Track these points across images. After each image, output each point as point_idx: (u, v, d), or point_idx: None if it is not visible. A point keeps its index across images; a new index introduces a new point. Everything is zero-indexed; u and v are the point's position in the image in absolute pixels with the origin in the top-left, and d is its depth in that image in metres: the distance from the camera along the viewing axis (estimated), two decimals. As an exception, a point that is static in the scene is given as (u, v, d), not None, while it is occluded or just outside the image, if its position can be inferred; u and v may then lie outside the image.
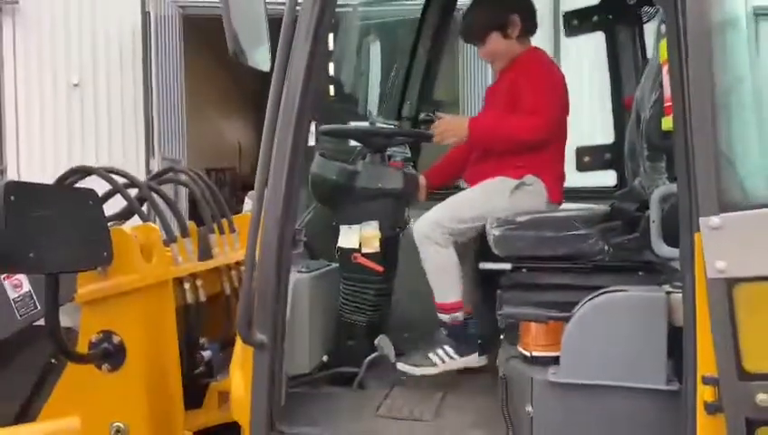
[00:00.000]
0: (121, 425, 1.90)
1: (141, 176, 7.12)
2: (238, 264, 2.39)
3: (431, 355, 2.06)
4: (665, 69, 1.47)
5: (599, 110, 2.79)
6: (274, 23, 1.74)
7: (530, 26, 2.28)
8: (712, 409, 1.33)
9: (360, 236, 2.10)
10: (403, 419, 1.84)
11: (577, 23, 2.66)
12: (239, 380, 1.71)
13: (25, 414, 2.17)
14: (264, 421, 1.63)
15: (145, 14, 7.21)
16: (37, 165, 7.33)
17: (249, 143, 20.29)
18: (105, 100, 7.47)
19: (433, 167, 2.52)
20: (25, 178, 7.11)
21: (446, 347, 2.07)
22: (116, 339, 1.90)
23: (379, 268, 2.09)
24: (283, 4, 1.63)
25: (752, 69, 1.47)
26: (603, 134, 2.83)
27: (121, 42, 7.50)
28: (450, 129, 2.24)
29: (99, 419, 1.92)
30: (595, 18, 2.62)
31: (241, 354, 1.74)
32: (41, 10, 7.49)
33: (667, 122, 1.48)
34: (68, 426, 1.96)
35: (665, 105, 1.51)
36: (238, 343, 1.79)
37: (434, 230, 2.03)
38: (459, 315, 2.11)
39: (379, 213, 2.12)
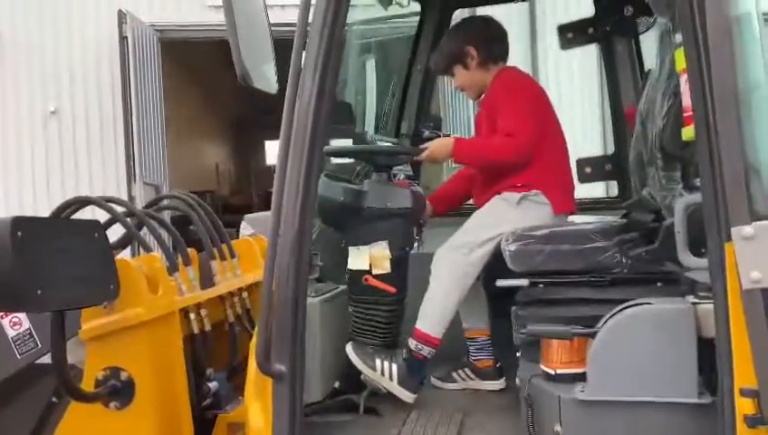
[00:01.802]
0: (130, 462, 1.83)
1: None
2: (240, 290, 2.34)
3: (380, 363, 1.97)
4: (683, 78, 1.46)
5: (579, 121, 2.82)
6: (279, 44, 1.71)
7: (492, 53, 2.28)
8: (753, 422, 1.31)
9: (369, 257, 2.06)
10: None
11: (572, 36, 2.66)
12: (257, 411, 1.65)
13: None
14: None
15: (123, 39, 7.15)
16: (14, 194, 7.18)
17: (226, 165, 20.20)
18: (83, 127, 7.39)
19: (436, 192, 2.51)
20: (3, 207, 6.97)
21: (395, 367, 1.99)
22: (124, 375, 1.83)
23: (392, 289, 2.04)
24: (289, 25, 1.61)
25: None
26: (591, 145, 2.85)
27: (98, 68, 7.46)
28: (437, 148, 2.23)
29: (106, 456, 1.85)
30: (590, 30, 2.63)
31: (257, 385, 1.69)
32: (16, 37, 7.40)
33: (689, 132, 1.47)
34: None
35: (684, 115, 1.50)
36: (251, 372, 1.74)
37: (454, 254, 2.00)
38: (426, 351, 2.05)
39: (389, 233, 2.08)
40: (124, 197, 6.92)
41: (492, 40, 2.29)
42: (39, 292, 1.44)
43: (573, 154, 2.35)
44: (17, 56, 7.39)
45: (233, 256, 2.35)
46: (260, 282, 2.36)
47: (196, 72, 11.94)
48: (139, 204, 7.10)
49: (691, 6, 1.35)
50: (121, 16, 7.12)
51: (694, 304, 1.54)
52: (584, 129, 5.79)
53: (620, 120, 2.64)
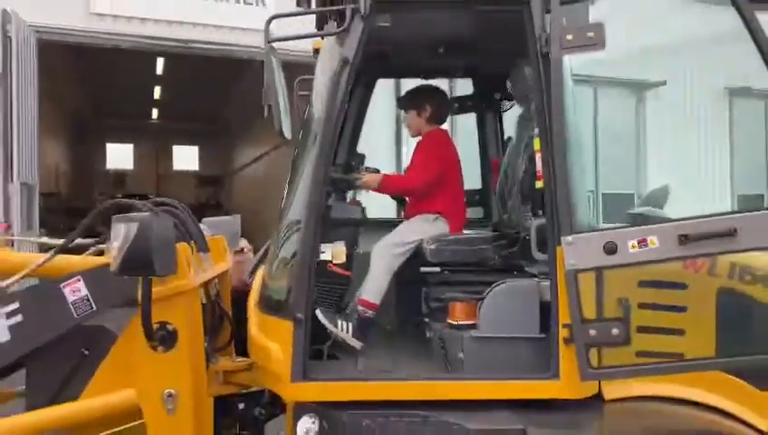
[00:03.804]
0: (173, 391, 2.58)
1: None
2: (214, 277, 3.13)
3: (340, 322, 2.86)
4: (537, 154, 2.63)
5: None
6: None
7: (439, 116, 3.38)
8: (567, 341, 2.47)
9: (332, 252, 2.99)
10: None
11: (458, 106, 3.84)
12: (277, 348, 2.51)
13: (63, 394, 2.69)
14: (302, 373, 2.46)
15: (6, 39, 7.20)
16: None
17: (67, 166, 19.24)
18: None
19: None
20: None
21: (349, 325, 2.89)
22: (170, 327, 2.58)
23: (347, 273, 2.99)
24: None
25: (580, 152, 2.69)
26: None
27: None
28: (370, 179, 3.25)
29: (153, 388, 2.58)
30: (469, 104, 3.83)
31: (276, 330, 2.55)
32: None
33: (539, 184, 2.63)
34: (127, 396, 2.58)
35: (538, 174, 2.66)
36: (255, 323, 2.62)
37: (386, 250, 3.01)
38: (370, 314, 3.01)
39: (345, 235, 3.03)
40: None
41: (442, 108, 3.39)
42: (157, 264, 2.22)
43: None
44: None
45: (207, 250, 3.14)
46: (226, 271, 3.21)
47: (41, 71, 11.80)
48: (16, 204, 7.17)
49: (545, 118, 2.51)
50: (6, 16, 7.20)
51: (538, 281, 2.70)
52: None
53: (486, 167, 3.85)
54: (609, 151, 9.97)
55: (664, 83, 11.39)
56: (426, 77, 3.77)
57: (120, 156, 24.00)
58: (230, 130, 20.71)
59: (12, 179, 7.14)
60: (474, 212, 3.87)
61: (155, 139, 24.69)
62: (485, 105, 3.80)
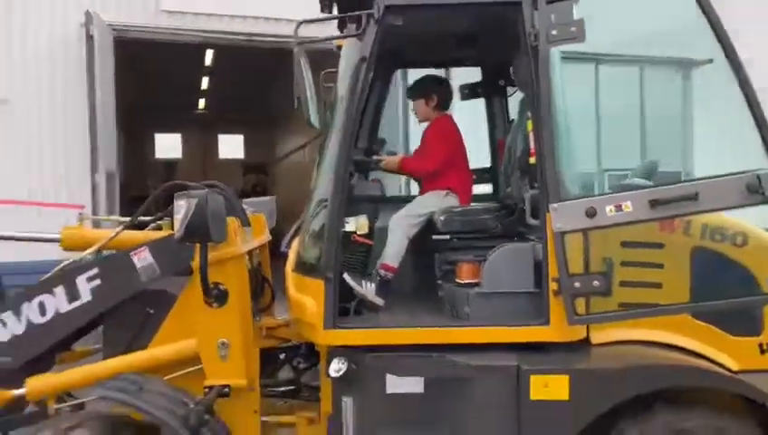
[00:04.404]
0: (225, 340, 3.09)
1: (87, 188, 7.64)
2: (254, 248, 3.62)
3: (364, 283, 3.29)
4: (531, 134, 3.05)
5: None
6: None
7: (444, 103, 3.82)
8: (556, 293, 2.90)
9: (356, 224, 3.46)
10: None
11: (467, 92, 4.27)
12: (311, 303, 3.00)
13: (134, 345, 3.22)
14: (332, 322, 2.95)
15: (89, 38, 7.68)
16: None
17: (121, 157, 19.90)
18: (36, 116, 7.79)
19: None
20: None
21: (372, 285, 3.33)
22: (222, 287, 3.09)
23: (370, 242, 3.46)
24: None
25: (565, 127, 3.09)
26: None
27: (52, 57, 7.85)
28: (389, 162, 3.71)
29: (209, 338, 3.09)
30: (479, 90, 4.25)
31: (308, 288, 3.03)
32: None
33: (532, 160, 3.05)
34: (188, 344, 3.11)
35: (531, 151, 3.08)
36: (292, 284, 3.11)
37: (403, 220, 3.47)
38: (390, 276, 3.45)
39: (367, 210, 3.49)
40: (87, 184, 7.57)
41: (447, 97, 3.83)
42: (212, 232, 2.72)
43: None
44: None
45: (249, 225, 3.64)
46: (265, 244, 3.71)
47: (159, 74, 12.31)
48: (102, 191, 7.76)
49: (534, 104, 2.93)
50: (88, 17, 7.67)
51: (533, 244, 3.13)
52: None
53: (494, 147, 4.27)
54: (656, 130, 10.01)
55: (710, 62, 11.27)
56: (437, 67, 4.19)
57: (168, 146, 24.65)
58: (274, 118, 21.04)
59: (98, 170, 7.70)
60: (484, 188, 4.29)
61: (202, 128, 25.23)
62: (492, 91, 4.21)
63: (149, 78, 16.18)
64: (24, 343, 3.07)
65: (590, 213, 2.83)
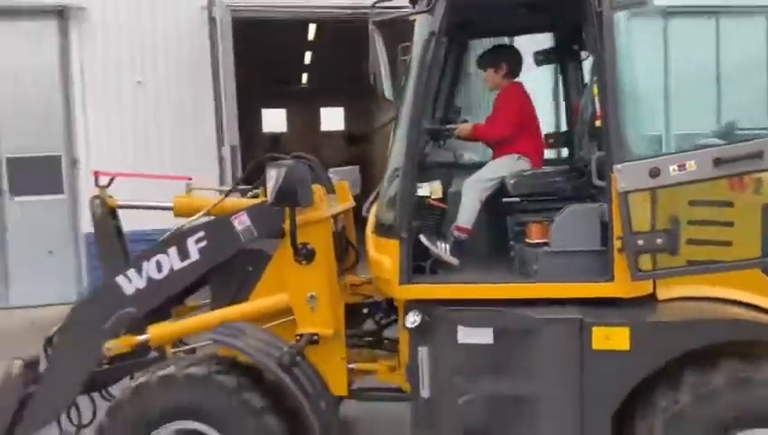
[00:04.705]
0: (314, 293, 3.46)
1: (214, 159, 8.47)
2: (339, 213, 3.95)
3: (439, 243, 3.51)
4: (597, 98, 3.15)
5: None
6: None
7: (513, 71, 3.94)
8: (620, 250, 3.02)
9: (430, 189, 3.70)
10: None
11: (542, 58, 4.35)
12: (387, 260, 3.29)
13: (237, 298, 3.67)
14: (407, 277, 3.23)
15: (211, 20, 8.38)
16: (106, 157, 8.55)
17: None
18: (166, 96, 8.73)
19: None
20: (95, 166, 8.33)
21: (447, 246, 3.54)
22: (310, 247, 3.45)
23: (444, 206, 3.69)
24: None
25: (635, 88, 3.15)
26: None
27: (180, 41, 8.71)
28: (463, 129, 3.90)
29: (300, 291, 3.48)
30: (553, 56, 4.33)
31: (385, 247, 3.33)
32: (105, 14, 8.74)
33: (598, 124, 3.16)
34: (282, 297, 3.51)
35: (597, 114, 3.18)
36: (372, 245, 3.41)
37: (476, 184, 3.68)
38: (463, 237, 3.67)
39: (440, 175, 3.72)
40: (214, 157, 8.37)
41: (516, 65, 3.97)
42: (299, 197, 3.08)
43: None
44: (106, 33, 8.80)
45: (333, 192, 3.97)
46: (349, 209, 4.03)
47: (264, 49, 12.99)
48: (228, 164, 8.53)
49: (599, 68, 3.03)
50: (211, 0, 8.33)
51: (600, 204, 3.25)
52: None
53: (570, 111, 4.34)
54: (736, 86, 9.53)
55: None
56: (511, 35, 4.30)
57: (274, 120, 25.64)
58: (372, 90, 21.42)
59: (223, 144, 8.52)
60: (560, 152, 4.40)
61: (305, 102, 25.92)
62: (566, 56, 4.27)
63: (257, 55, 16.94)
64: (145, 296, 3.58)
65: (654, 173, 2.92)
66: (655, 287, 3.13)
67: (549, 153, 4.22)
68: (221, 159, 8.34)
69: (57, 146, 9.09)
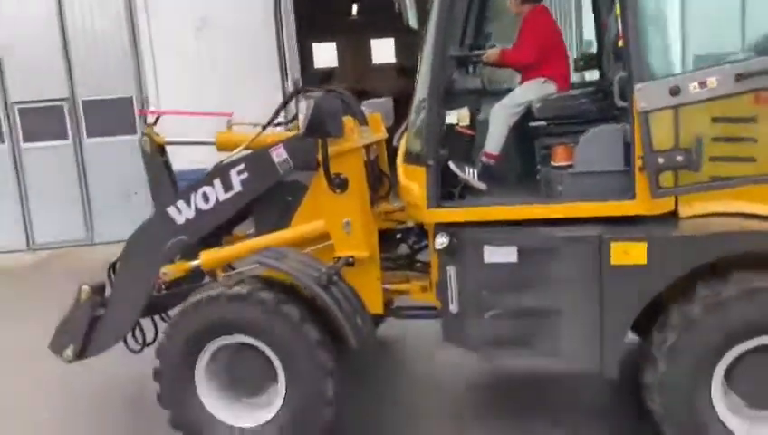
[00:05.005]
0: (349, 219, 3.68)
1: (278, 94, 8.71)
2: (372, 143, 4.09)
3: (467, 169, 3.63)
4: (619, 18, 3.16)
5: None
6: None
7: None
8: (641, 169, 3.09)
9: (458, 116, 3.81)
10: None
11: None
12: (416, 186, 3.46)
13: (278, 226, 3.93)
14: (435, 201, 3.40)
15: None
16: (174, 96, 8.92)
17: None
18: (228, 32, 8.99)
19: None
20: (164, 105, 8.76)
21: (475, 172, 3.66)
22: (343, 176, 3.64)
23: (472, 132, 3.80)
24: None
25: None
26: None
27: None
28: (491, 54, 3.94)
29: (335, 218, 3.70)
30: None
31: (412, 174, 3.49)
32: None
33: (621, 43, 3.18)
34: (320, 224, 3.75)
35: (620, 35, 3.20)
36: (402, 173, 3.58)
37: (503, 109, 3.76)
38: (491, 162, 3.79)
39: (468, 102, 3.81)
40: (278, 93, 8.68)
41: None
42: (330, 128, 3.25)
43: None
44: None
45: (366, 124, 4.12)
46: (382, 140, 4.17)
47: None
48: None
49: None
50: None
51: (623, 125, 3.30)
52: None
53: (600, 31, 4.31)
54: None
55: None
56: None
57: (324, 54, 25.32)
58: (422, 21, 21.02)
59: (287, 78, 8.93)
60: (591, 74, 4.40)
61: (355, 35, 25.54)
62: (596, -24, 4.22)
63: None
64: (194, 225, 3.88)
65: (674, 91, 2.95)
66: (677, 205, 3.20)
67: (578, 76, 4.23)
68: (284, 94, 8.61)
69: (128, 88, 9.51)
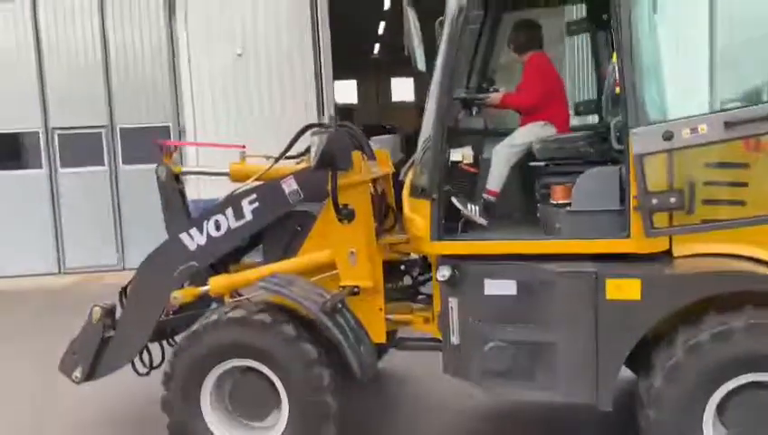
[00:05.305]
0: (353, 249, 3.82)
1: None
2: (378, 178, 4.26)
3: (469, 204, 3.80)
4: (617, 67, 3.35)
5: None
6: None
7: (534, 43, 4.16)
8: (636, 209, 3.24)
9: (462, 154, 3.97)
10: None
11: (574, 28, 4.53)
12: (419, 219, 3.61)
13: (286, 254, 4.07)
14: (437, 234, 3.54)
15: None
16: (211, 126, 9.22)
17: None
18: (267, 65, 9.29)
19: None
20: (201, 135, 9.05)
21: (477, 208, 3.82)
22: (350, 207, 3.80)
23: (475, 170, 3.96)
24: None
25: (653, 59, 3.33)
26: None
27: (277, 13, 9.22)
28: (493, 98, 4.13)
29: (342, 248, 3.84)
30: (583, 25, 4.49)
31: (416, 207, 3.64)
32: None
33: (618, 91, 3.36)
34: (326, 253, 3.89)
35: (617, 82, 3.38)
36: (407, 206, 3.73)
37: (505, 150, 3.93)
38: (492, 199, 3.93)
39: (471, 141, 3.98)
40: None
41: (535, 36, 4.18)
42: (339, 162, 3.42)
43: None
44: (209, 7, 9.39)
45: (374, 158, 4.29)
46: (388, 174, 4.34)
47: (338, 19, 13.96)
48: None
49: (616, 35, 3.22)
50: None
51: (620, 167, 3.45)
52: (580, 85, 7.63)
53: (600, 78, 4.51)
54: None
55: None
56: (547, 5, 4.49)
57: (344, 91, 25.73)
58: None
59: (323, 113, 9.15)
60: (591, 119, 4.58)
61: (375, 74, 25.84)
62: (596, 26, 4.43)
63: (332, 25, 17.40)
64: (205, 252, 4.02)
65: (667, 136, 3.12)
66: (671, 244, 3.33)
67: (579, 120, 4.41)
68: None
69: (166, 117, 9.83)
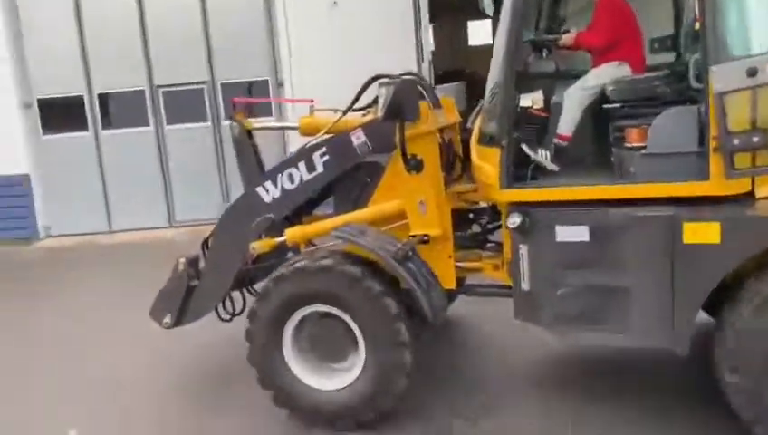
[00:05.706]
0: (422, 199, 3.88)
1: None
2: (445, 126, 4.25)
3: (540, 150, 3.76)
4: (697, 1, 3.18)
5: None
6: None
7: None
8: (716, 150, 3.12)
9: (532, 99, 3.91)
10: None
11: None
12: (489, 166, 3.61)
13: (357, 205, 4.17)
14: (507, 181, 3.54)
15: None
16: (308, 79, 9.14)
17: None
18: (362, 14, 9.15)
19: None
20: (298, 90, 9.02)
21: (548, 153, 3.78)
22: (418, 158, 3.83)
23: (546, 114, 3.90)
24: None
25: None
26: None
27: None
28: (566, 38, 4.00)
29: (411, 198, 3.90)
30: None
31: (485, 154, 3.64)
32: None
33: (697, 26, 3.20)
34: (396, 203, 3.96)
35: (697, 16, 3.22)
36: (475, 154, 3.72)
37: (577, 92, 3.84)
38: (564, 144, 3.86)
39: (542, 85, 3.91)
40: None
41: None
42: (406, 112, 3.44)
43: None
44: None
45: (440, 107, 4.27)
46: (455, 123, 4.32)
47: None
48: (427, 75, 8.73)
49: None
50: None
51: (698, 106, 3.32)
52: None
53: (678, 12, 4.29)
54: None
55: None
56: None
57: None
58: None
59: (423, 59, 9.02)
60: (667, 56, 4.38)
61: (451, 17, 25.45)
62: (674, -44, 4.20)
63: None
64: (281, 203, 4.17)
65: (751, 72, 2.96)
66: (753, 186, 3.21)
67: (655, 58, 4.23)
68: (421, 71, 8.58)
69: (263, 70, 9.86)
